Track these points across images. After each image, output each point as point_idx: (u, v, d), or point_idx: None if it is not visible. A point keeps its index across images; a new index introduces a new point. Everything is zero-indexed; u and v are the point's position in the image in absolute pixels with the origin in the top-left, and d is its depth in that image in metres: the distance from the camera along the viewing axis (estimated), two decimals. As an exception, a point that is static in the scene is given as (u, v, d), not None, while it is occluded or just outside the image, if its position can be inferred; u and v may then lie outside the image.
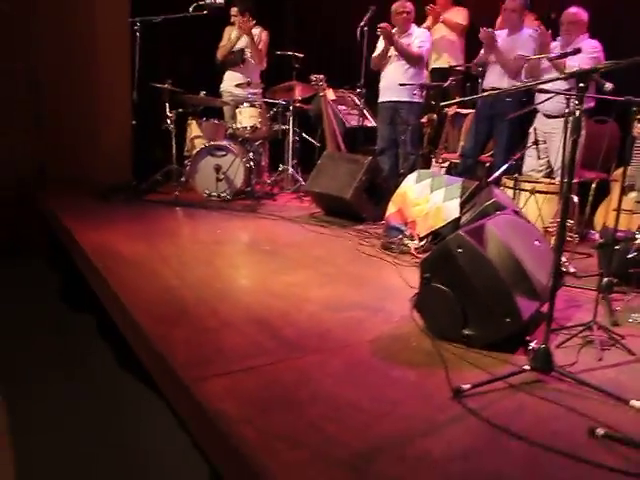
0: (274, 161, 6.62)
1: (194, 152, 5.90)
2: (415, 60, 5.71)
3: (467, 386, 2.22)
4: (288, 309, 3.07)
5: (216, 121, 6.21)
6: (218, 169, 5.68)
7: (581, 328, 2.74)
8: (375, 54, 5.85)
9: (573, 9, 4.83)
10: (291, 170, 6.19)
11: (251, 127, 5.86)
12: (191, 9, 5.63)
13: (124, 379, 3.31)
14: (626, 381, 2.40)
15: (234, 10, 6.20)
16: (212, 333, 2.71)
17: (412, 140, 5.76)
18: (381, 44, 5.80)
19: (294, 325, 2.86)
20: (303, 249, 4.30)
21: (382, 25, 5.57)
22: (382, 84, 5.88)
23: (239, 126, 5.90)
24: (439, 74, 6.44)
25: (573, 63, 4.49)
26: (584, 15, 4.85)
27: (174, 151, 5.96)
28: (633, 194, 4.00)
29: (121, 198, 5.51)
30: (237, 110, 5.95)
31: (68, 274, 4.62)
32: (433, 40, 6.34)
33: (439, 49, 6.60)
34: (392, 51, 5.75)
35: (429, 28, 6.55)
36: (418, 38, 5.75)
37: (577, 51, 4.01)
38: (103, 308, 3.46)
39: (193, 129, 6.21)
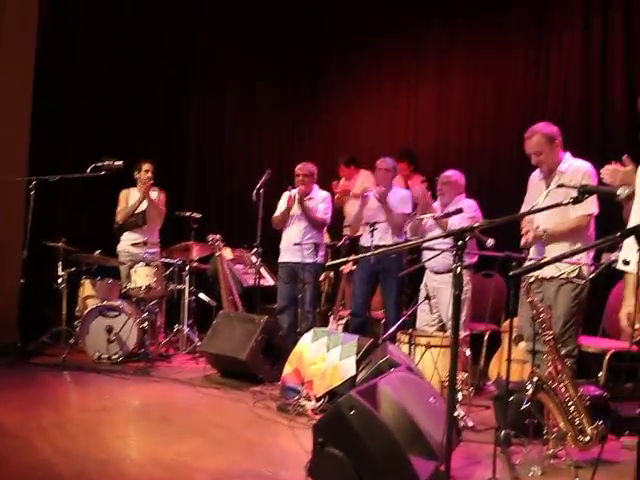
0: (170, 321, 6.46)
1: (85, 312, 5.68)
2: (319, 225, 5.91)
3: None
4: (176, 481, 2.86)
5: (110, 281, 6.07)
6: (110, 330, 5.47)
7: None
8: (276, 214, 5.97)
9: (449, 172, 5.22)
10: (187, 330, 6.05)
11: (146, 287, 5.75)
12: (89, 170, 5.65)
13: None
14: None
15: (147, 165, 6.24)
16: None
17: (310, 299, 5.81)
18: (283, 204, 5.94)
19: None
20: (196, 414, 4.11)
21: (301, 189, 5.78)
22: (282, 244, 5.97)
23: (133, 286, 5.79)
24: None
25: (455, 222, 4.77)
26: (459, 177, 5.22)
27: (64, 311, 5.73)
28: (522, 344, 4.14)
29: (3, 361, 5.16)
30: (132, 270, 5.85)
31: None
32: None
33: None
34: (295, 210, 5.90)
35: (344, 202, 6.97)
36: (323, 204, 5.96)
37: (459, 211, 4.32)
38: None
39: (86, 289, 6.02)
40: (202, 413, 4.13)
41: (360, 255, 5.30)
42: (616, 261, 3.99)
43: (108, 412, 4.08)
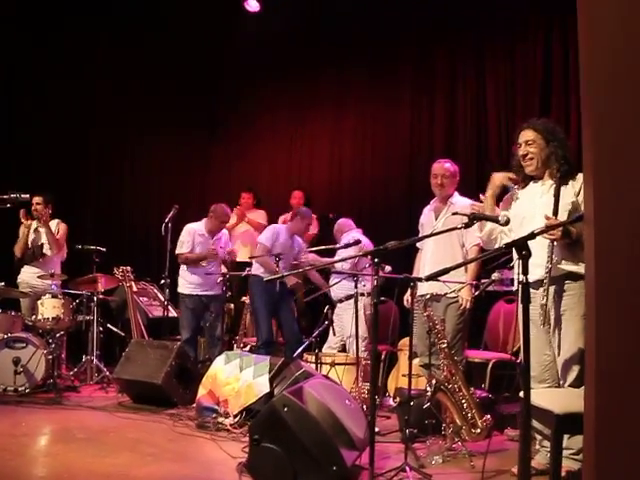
0: (74, 353, 6.49)
1: (-12, 345, 5.64)
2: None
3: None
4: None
5: (13, 313, 6.06)
6: (17, 361, 5.45)
7: (396, 471, 3.11)
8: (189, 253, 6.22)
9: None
10: (95, 361, 6.12)
11: (54, 318, 5.79)
12: (-6, 202, 5.68)
13: None
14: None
15: (38, 199, 6.31)
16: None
17: (222, 327, 6.11)
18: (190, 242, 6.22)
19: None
20: (119, 434, 4.26)
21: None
22: (192, 278, 6.23)
23: (40, 317, 5.81)
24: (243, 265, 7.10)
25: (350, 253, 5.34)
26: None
27: (-35, 345, 5.63)
28: (416, 360, 4.66)
29: None
30: (39, 302, 5.88)
31: None
32: (238, 234, 7.36)
33: (244, 242, 7.43)
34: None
35: (233, 226, 7.38)
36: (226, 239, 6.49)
37: (357, 242, 4.89)
38: None
39: (-12, 321, 5.96)
40: (125, 433, 4.28)
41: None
42: (495, 281, 4.67)
43: (30, 437, 4.15)
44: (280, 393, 3.13)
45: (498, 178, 3.62)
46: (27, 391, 5.47)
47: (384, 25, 7.27)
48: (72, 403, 5.21)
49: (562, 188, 3.28)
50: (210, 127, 8.93)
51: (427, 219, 4.74)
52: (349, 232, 5.99)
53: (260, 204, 7.90)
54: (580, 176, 3.21)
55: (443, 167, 4.65)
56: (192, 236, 6.17)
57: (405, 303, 4.75)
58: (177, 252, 6.18)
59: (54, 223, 6.49)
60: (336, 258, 5.66)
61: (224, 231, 6.48)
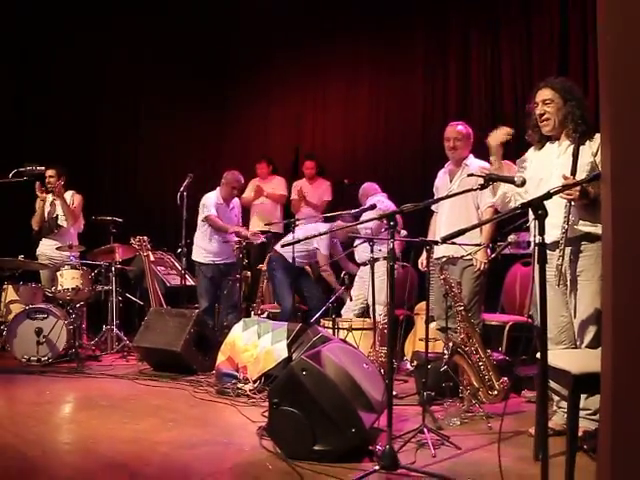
0: (94, 323, 6.59)
1: (10, 317, 5.74)
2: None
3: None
4: (142, 452, 3.13)
5: (33, 284, 6.15)
6: (39, 332, 5.55)
7: (414, 432, 3.14)
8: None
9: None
10: (115, 330, 6.21)
11: (73, 289, 5.87)
12: (11, 175, 5.73)
13: None
14: (461, 469, 2.83)
15: (51, 172, 6.35)
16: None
17: (238, 293, 6.15)
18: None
19: (152, 465, 2.94)
20: (141, 400, 4.34)
21: None
22: (211, 245, 6.28)
23: (60, 288, 5.89)
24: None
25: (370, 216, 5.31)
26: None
27: (-14, 317, 5.75)
28: (433, 324, 4.67)
29: None
30: (58, 273, 5.95)
31: None
32: (255, 206, 7.52)
33: (261, 214, 7.47)
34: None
35: (251, 200, 7.48)
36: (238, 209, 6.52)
37: (373, 206, 4.87)
38: None
39: (9, 293, 6.05)
40: (146, 400, 4.36)
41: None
42: (511, 243, 4.63)
43: (54, 405, 4.24)
44: (298, 357, 3.15)
45: (493, 139, 3.57)
46: (50, 361, 5.58)
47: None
48: (94, 372, 5.31)
49: (580, 148, 3.23)
50: (224, 96, 8.86)
51: (442, 182, 4.71)
52: (374, 196, 5.93)
53: (276, 172, 7.86)
54: (598, 136, 3.16)
55: (455, 130, 4.59)
56: (214, 203, 6.20)
57: (420, 266, 4.75)
58: (205, 215, 6.19)
59: (69, 194, 6.53)
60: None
61: (236, 200, 6.47)
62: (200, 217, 6.23)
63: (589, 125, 3.25)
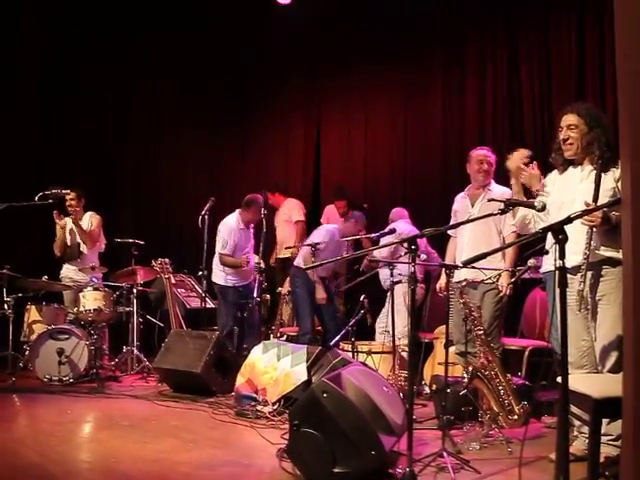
0: (115, 344, 6.65)
1: (33, 337, 5.82)
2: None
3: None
4: (163, 472, 3.16)
5: (56, 305, 6.24)
6: (61, 352, 5.62)
7: (434, 456, 3.14)
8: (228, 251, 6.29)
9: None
10: (136, 351, 6.26)
11: (95, 310, 5.94)
12: (37, 198, 5.83)
13: None
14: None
15: (71, 195, 6.40)
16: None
17: (259, 316, 6.20)
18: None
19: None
20: (161, 422, 4.37)
21: None
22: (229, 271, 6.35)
23: (82, 309, 5.96)
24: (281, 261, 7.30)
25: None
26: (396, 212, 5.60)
27: (11, 337, 5.82)
28: (452, 348, 4.67)
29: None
30: (80, 294, 6.03)
31: None
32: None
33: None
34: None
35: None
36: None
37: (392, 231, 4.92)
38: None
39: (32, 314, 6.13)
40: (166, 420, 4.39)
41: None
42: (530, 268, 4.63)
43: (76, 424, 4.30)
44: (319, 379, 3.18)
45: (512, 162, 3.61)
46: (71, 381, 5.64)
47: (416, 10, 7.21)
48: (114, 392, 5.35)
49: (602, 175, 3.24)
50: (243, 121, 9.00)
51: (461, 206, 4.74)
52: (398, 221, 6.01)
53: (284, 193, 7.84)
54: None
55: (487, 154, 4.67)
56: (233, 235, 6.24)
57: (438, 290, 4.75)
58: (220, 252, 6.27)
59: (87, 215, 6.55)
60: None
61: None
62: (217, 245, 6.30)
63: (614, 152, 3.27)
